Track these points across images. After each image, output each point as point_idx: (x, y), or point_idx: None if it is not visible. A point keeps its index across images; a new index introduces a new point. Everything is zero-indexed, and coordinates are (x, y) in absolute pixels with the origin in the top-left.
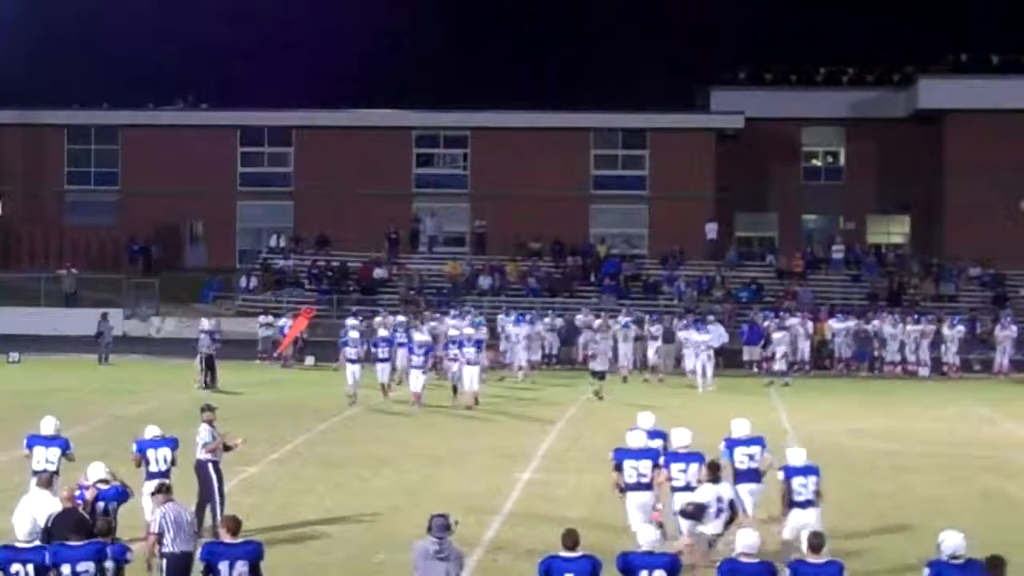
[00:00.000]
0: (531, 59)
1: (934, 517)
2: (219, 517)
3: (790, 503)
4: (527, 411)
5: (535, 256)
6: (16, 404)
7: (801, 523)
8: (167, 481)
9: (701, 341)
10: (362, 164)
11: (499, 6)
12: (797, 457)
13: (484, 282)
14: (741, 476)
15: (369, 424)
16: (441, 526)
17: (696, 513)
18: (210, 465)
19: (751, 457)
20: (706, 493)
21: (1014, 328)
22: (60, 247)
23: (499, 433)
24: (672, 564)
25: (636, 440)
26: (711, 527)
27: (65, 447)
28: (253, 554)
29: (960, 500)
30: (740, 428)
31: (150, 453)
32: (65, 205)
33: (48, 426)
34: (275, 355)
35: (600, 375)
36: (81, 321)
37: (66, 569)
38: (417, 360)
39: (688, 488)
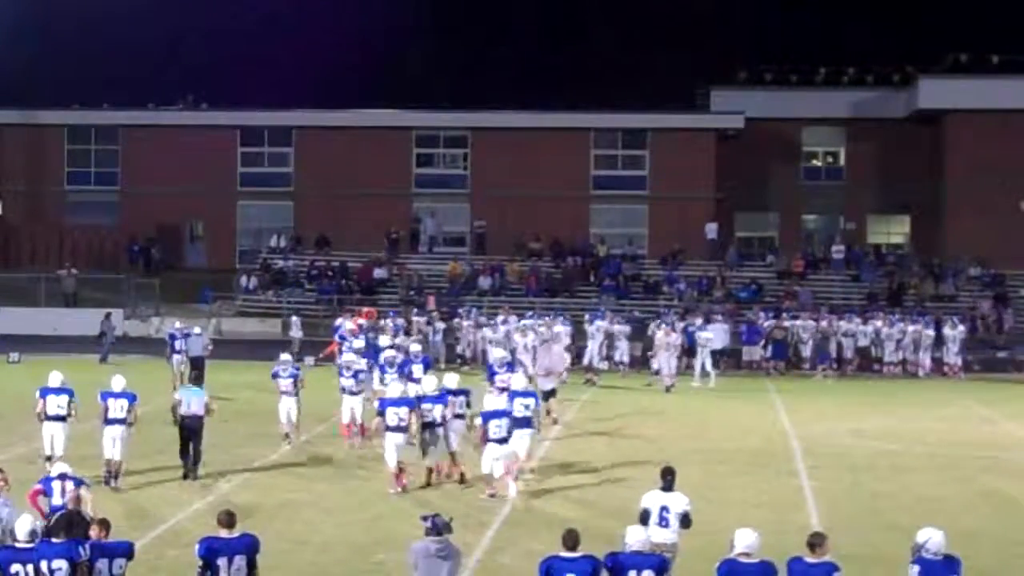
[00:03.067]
0: (531, 59)
1: (934, 517)
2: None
3: (486, 440)
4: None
5: (535, 256)
6: (16, 404)
7: (496, 455)
8: None
9: (706, 339)
10: (362, 164)
11: (499, 6)
12: (493, 403)
13: (484, 282)
14: (518, 422)
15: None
16: (442, 525)
17: (642, 518)
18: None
19: (527, 407)
20: (651, 499)
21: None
22: (60, 247)
23: None
24: (661, 564)
25: (395, 391)
26: (658, 535)
27: (72, 395)
28: (250, 548)
29: (960, 500)
30: (518, 381)
31: (111, 402)
32: (65, 205)
33: (55, 379)
34: (320, 356)
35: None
36: (81, 321)
37: (43, 565)
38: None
39: (434, 424)
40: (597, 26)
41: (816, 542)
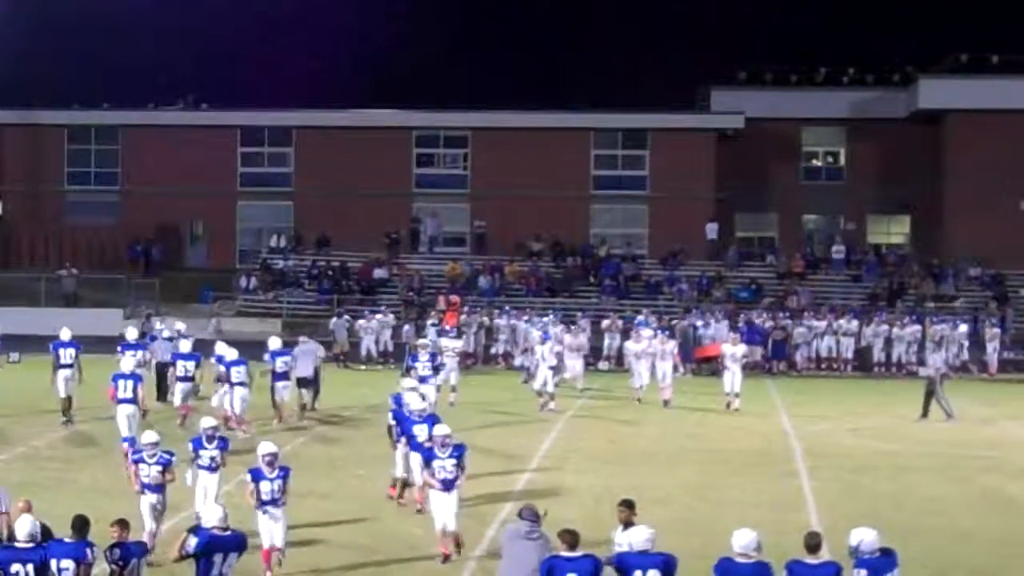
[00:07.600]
0: (531, 59)
1: (934, 517)
2: None
3: (219, 380)
4: (527, 411)
5: (535, 256)
6: (17, 404)
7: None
8: None
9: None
10: (362, 164)
11: (499, 6)
12: (184, 345)
13: (484, 282)
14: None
15: (369, 424)
16: (534, 510)
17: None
18: None
19: (239, 373)
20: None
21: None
22: (60, 247)
23: (499, 433)
24: (666, 564)
25: (276, 343)
26: None
27: (78, 348)
28: (242, 545)
29: (960, 500)
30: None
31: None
32: (65, 205)
33: (65, 334)
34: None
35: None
36: (81, 321)
37: (53, 564)
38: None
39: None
40: (597, 26)
41: (815, 543)
